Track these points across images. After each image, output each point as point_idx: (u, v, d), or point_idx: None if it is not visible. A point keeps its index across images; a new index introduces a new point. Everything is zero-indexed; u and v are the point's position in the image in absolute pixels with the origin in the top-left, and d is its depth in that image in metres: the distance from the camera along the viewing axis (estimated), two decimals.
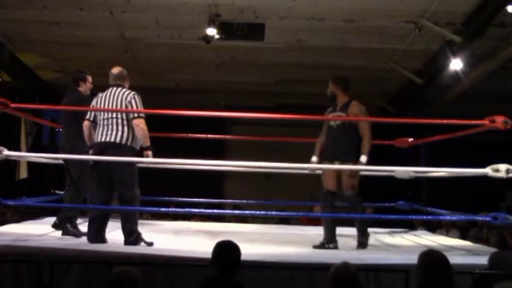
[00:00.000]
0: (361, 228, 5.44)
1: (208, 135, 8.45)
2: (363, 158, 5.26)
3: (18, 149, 10.22)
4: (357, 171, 5.39)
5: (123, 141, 5.11)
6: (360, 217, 5.48)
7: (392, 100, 11.53)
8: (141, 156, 5.23)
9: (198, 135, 7.95)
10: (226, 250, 3.61)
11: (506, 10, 6.87)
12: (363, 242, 5.39)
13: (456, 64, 8.19)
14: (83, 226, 5.51)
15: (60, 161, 6.01)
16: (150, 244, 5.01)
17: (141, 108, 5.18)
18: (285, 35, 8.62)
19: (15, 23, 8.44)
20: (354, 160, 5.33)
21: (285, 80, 10.74)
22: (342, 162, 5.38)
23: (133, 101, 5.15)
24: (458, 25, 7.81)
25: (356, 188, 5.37)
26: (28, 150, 10.77)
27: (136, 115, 5.13)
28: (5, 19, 8.29)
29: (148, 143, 5.17)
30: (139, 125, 5.11)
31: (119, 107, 5.14)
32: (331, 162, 5.45)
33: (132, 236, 5.01)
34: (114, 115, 5.16)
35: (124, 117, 5.15)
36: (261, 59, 9.63)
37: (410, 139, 6.88)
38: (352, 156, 5.35)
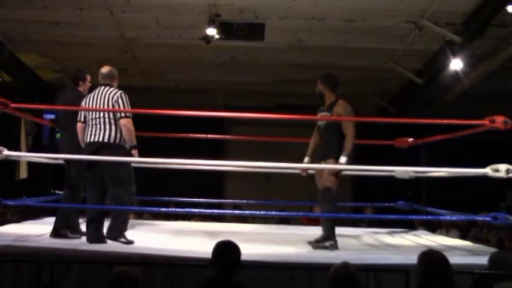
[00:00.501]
0: (326, 227, 5.33)
1: (208, 135, 8.45)
2: (342, 159, 5.21)
3: (18, 149, 10.21)
4: (337, 170, 5.33)
5: (111, 140, 5.10)
6: (327, 215, 5.35)
7: (392, 100, 11.52)
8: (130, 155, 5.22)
9: (198, 135, 7.94)
10: (226, 250, 3.61)
11: (506, 10, 6.88)
12: (323, 244, 5.25)
13: (456, 64, 8.20)
14: (82, 226, 5.50)
15: (61, 161, 6.01)
16: (130, 242, 5.00)
17: (128, 108, 5.16)
18: (285, 35, 8.62)
19: (15, 23, 8.44)
20: (334, 159, 5.30)
21: (284, 80, 10.73)
22: (326, 161, 5.39)
23: (120, 100, 5.13)
24: (458, 25, 7.81)
25: (332, 185, 5.31)
26: (28, 150, 10.77)
27: (123, 115, 5.12)
28: (5, 19, 8.29)
29: (134, 142, 5.17)
30: (127, 125, 5.10)
31: (106, 106, 5.12)
32: (320, 161, 5.47)
33: (114, 230, 5.02)
34: (102, 114, 5.15)
35: (112, 116, 5.14)
36: (261, 59, 9.63)
37: (410, 139, 6.88)
38: (334, 154, 5.31)
